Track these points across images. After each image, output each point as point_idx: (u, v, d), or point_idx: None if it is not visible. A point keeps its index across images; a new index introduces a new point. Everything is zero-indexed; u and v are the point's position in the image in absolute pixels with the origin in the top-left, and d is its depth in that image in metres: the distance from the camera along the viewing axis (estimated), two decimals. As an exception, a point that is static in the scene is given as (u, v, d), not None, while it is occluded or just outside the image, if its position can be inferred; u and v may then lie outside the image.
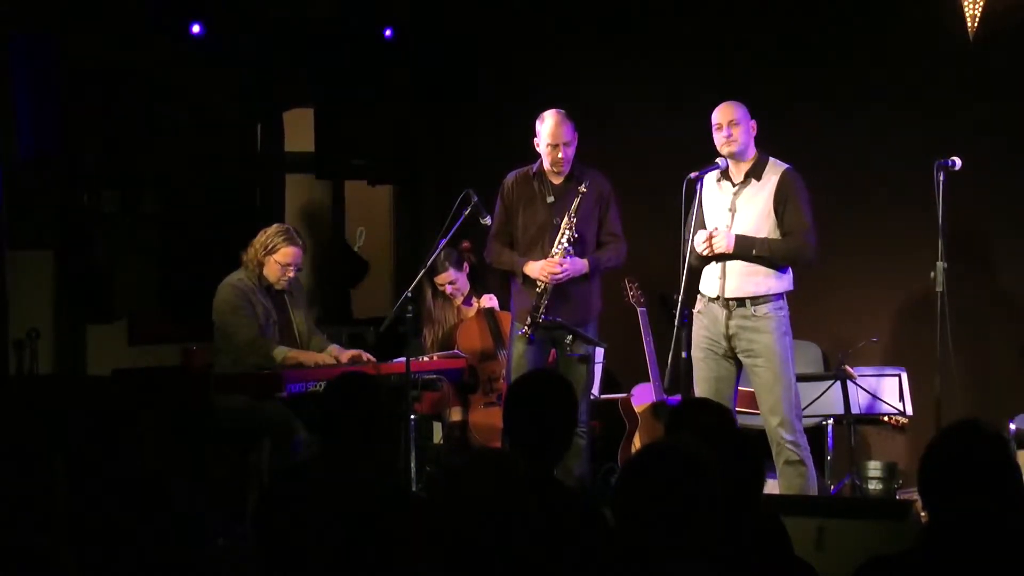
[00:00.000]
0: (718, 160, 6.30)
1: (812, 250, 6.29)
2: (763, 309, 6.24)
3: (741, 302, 6.26)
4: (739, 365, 6.34)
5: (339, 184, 9.49)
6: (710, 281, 6.33)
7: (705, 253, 6.23)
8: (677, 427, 3.98)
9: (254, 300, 6.67)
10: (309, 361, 6.62)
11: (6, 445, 6.04)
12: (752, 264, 6.24)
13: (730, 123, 6.27)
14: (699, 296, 6.38)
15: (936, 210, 6.43)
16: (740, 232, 6.25)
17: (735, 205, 6.31)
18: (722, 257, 6.27)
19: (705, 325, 6.34)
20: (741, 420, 6.49)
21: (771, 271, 6.26)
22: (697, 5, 8.11)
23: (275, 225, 6.83)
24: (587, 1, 8.46)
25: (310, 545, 3.89)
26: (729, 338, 6.28)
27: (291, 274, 6.77)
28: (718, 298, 6.29)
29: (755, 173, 6.30)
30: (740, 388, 6.46)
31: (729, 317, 6.27)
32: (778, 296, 6.28)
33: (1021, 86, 7.24)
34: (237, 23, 8.14)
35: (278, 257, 6.68)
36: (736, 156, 6.29)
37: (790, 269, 6.32)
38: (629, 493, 2.93)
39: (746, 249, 6.23)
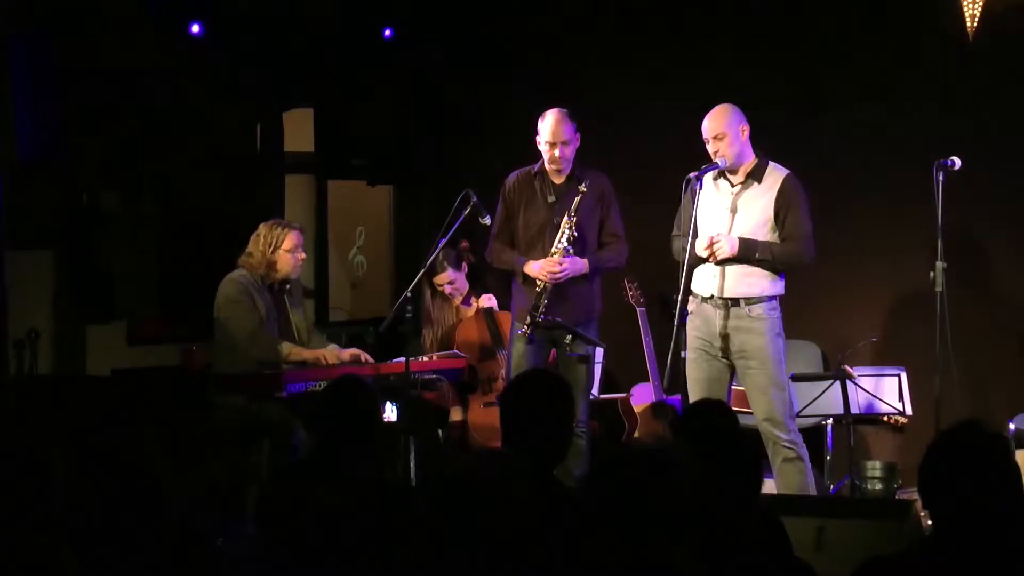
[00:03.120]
0: (717, 160, 6.30)
1: (810, 257, 6.33)
2: (757, 310, 6.24)
3: (736, 302, 6.26)
4: (732, 365, 6.34)
5: (322, 184, 9.46)
6: (705, 281, 6.33)
7: (709, 259, 6.24)
8: (680, 429, 3.99)
9: (256, 296, 6.69)
10: (312, 358, 6.64)
11: (5, 445, 6.04)
12: (749, 265, 6.24)
13: (715, 138, 6.26)
14: (692, 297, 6.38)
15: (935, 210, 6.43)
16: (739, 233, 6.25)
17: (735, 205, 6.31)
18: (722, 260, 6.27)
19: (697, 326, 6.34)
20: None
21: (767, 273, 6.27)
22: (697, 6, 8.10)
23: (262, 225, 6.82)
24: (588, 1, 8.46)
25: (313, 545, 3.89)
26: (723, 338, 6.28)
27: (302, 256, 6.79)
28: (712, 297, 6.29)
29: (756, 176, 6.29)
30: (734, 388, 6.46)
31: (725, 317, 6.27)
32: (771, 298, 6.29)
33: (1020, 86, 7.24)
34: (237, 23, 8.13)
35: (286, 246, 6.71)
36: (732, 166, 6.28)
37: (784, 273, 6.33)
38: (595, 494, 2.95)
39: (749, 252, 6.23)
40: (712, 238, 6.23)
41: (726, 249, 6.22)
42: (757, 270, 6.25)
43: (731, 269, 6.26)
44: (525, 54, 8.58)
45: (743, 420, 6.39)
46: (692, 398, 6.27)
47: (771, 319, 6.26)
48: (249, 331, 6.61)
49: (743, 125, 6.28)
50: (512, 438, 4.07)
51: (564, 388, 4.23)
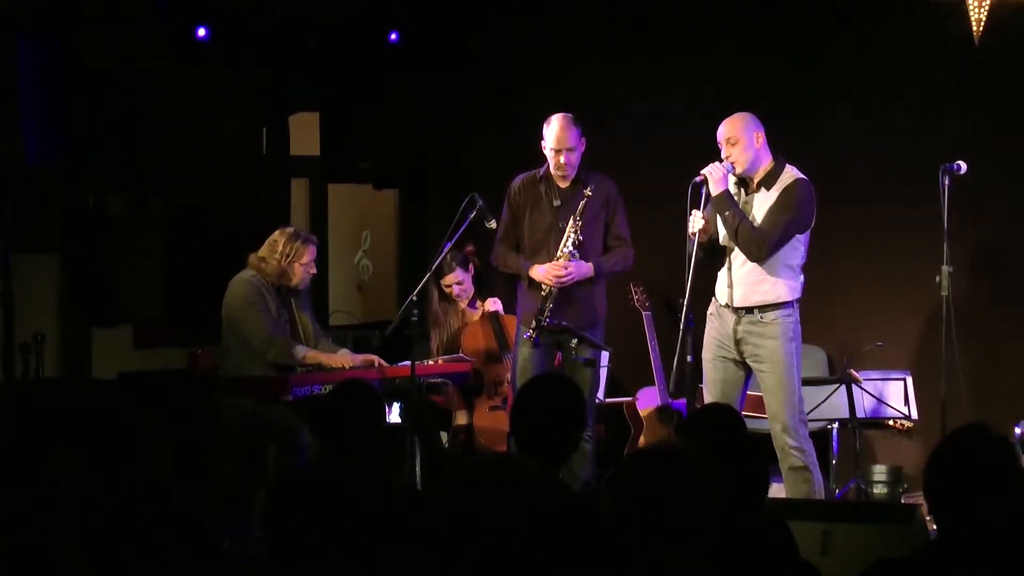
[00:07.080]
0: (728, 165, 6.26)
1: (763, 251, 6.16)
2: (771, 316, 6.21)
3: (749, 310, 6.24)
4: (748, 369, 6.32)
5: (323, 187, 9.46)
6: (721, 287, 6.32)
7: (697, 179, 6.19)
8: (686, 430, 4.00)
9: (268, 298, 6.70)
10: (328, 363, 6.66)
11: (12, 449, 6.05)
12: (759, 272, 6.20)
13: (726, 141, 6.21)
14: (713, 299, 6.36)
15: (941, 214, 6.43)
16: None
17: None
18: (730, 262, 6.25)
19: (716, 328, 6.33)
20: (748, 424, 6.50)
21: (778, 279, 6.21)
22: (702, 8, 8.11)
23: (279, 231, 6.82)
24: (592, 5, 8.46)
25: (320, 547, 3.90)
26: (737, 342, 6.27)
27: (313, 271, 6.85)
28: (728, 305, 6.28)
29: (767, 182, 6.24)
30: (749, 392, 6.43)
31: (737, 322, 6.25)
32: (788, 304, 6.23)
33: (1026, 90, 7.24)
34: (243, 26, 8.14)
35: (303, 260, 6.74)
36: (745, 173, 6.25)
37: (800, 274, 6.28)
38: (623, 495, 2.95)
39: (724, 206, 6.18)
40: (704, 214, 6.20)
41: (718, 173, 6.17)
42: (771, 277, 6.21)
43: (742, 278, 6.23)
44: (531, 57, 8.57)
45: (754, 425, 6.44)
46: (708, 399, 6.27)
47: (785, 323, 6.20)
48: (266, 334, 6.61)
49: (758, 132, 6.22)
50: (521, 441, 4.08)
51: (576, 392, 4.27)
